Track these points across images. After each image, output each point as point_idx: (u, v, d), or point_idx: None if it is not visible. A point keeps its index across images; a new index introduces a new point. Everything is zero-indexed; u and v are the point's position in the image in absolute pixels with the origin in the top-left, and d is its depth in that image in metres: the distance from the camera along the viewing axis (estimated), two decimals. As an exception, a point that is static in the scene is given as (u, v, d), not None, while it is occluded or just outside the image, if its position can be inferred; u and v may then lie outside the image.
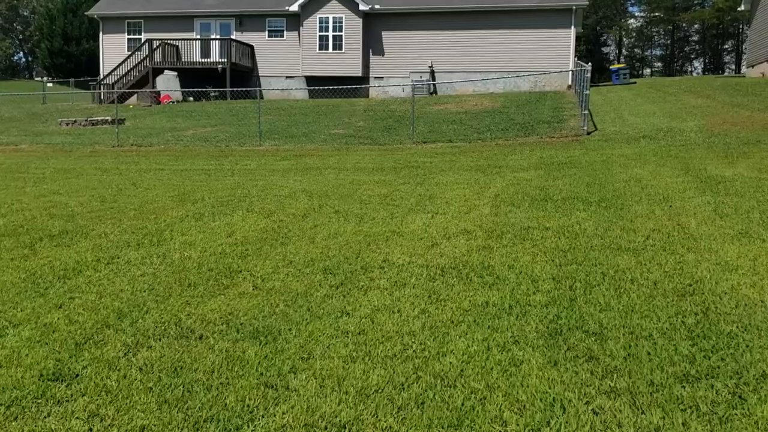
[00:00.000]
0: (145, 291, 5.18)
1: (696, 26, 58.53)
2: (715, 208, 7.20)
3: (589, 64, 14.50)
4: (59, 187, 10.29)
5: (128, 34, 30.98)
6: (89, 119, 21.24)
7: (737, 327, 4.03)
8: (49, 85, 35.32)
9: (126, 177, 11.27)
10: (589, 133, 14.35)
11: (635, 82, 31.24)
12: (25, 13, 66.56)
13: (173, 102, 28.26)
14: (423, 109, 22.32)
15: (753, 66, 28.62)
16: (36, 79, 38.86)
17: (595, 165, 10.53)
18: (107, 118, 21.75)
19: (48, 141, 17.59)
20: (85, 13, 32.19)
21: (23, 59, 67.46)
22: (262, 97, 25.98)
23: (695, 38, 61.12)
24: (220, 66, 28.25)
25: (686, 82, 28.62)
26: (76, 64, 38.50)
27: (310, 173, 11.11)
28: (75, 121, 21.30)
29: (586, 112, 14.42)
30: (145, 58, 28.71)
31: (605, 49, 61.89)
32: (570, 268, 5.32)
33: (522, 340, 3.98)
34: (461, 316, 4.40)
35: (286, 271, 5.55)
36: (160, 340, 4.25)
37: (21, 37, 68.47)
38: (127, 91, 27.94)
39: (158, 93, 28.53)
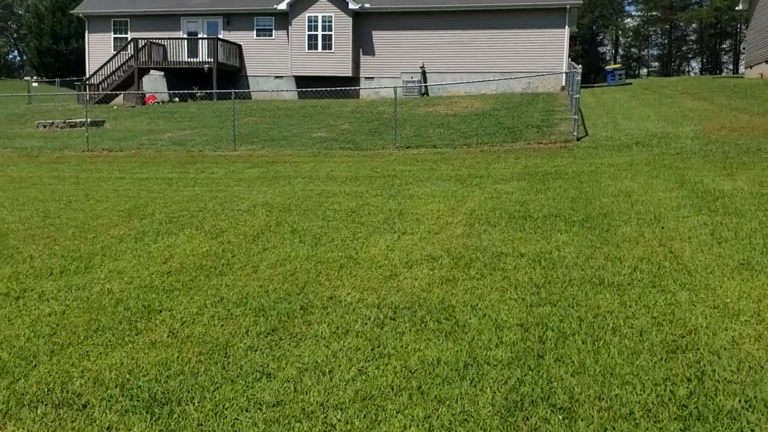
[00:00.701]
0: (44, 337, 4.37)
1: (693, 26, 57.66)
2: (713, 230, 6.38)
3: (580, 66, 13.68)
4: (5, 199, 9.46)
5: (114, 33, 30.11)
6: (67, 121, 20.39)
7: (740, 402, 3.21)
8: (35, 84, 34.44)
9: (82, 187, 10.45)
10: (579, 139, 13.53)
11: (631, 83, 30.40)
12: (19, 12, 65.67)
13: (159, 102, 27.41)
14: (412, 111, 21.52)
15: (751, 67, 27.80)
16: (25, 78, 37.90)
17: (582, 176, 9.71)
18: (86, 119, 20.87)
19: (18, 145, 16.76)
20: (70, 11, 31.31)
21: (17, 58, 66.62)
22: (239, 98, 25.15)
23: (693, 38, 60.23)
24: (207, 66, 27.40)
25: (683, 83, 27.80)
26: (65, 64, 37.62)
27: (279, 183, 10.28)
28: (52, 123, 20.47)
29: (577, 116, 13.60)
30: (130, 58, 27.84)
31: (601, 49, 61.01)
32: (543, 310, 4.50)
33: (473, 419, 3.17)
34: (404, 380, 3.58)
35: (213, 311, 4.73)
36: (35, 409, 3.45)
37: (15, 36, 67.59)
38: (109, 93, 27.06)
39: (143, 93, 27.68)
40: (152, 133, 18.67)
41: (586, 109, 19.01)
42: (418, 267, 5.60)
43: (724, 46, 58.33)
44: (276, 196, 9.17)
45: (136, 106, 25.93)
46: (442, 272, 5.43)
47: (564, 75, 26.87)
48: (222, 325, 4.46)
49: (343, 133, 17.40)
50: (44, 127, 20.28)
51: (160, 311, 4.77)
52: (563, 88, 26.18)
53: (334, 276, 5.44)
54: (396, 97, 14.85)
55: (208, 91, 24.10)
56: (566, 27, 26.94)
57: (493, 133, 15.87)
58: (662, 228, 6.56)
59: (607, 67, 34.04)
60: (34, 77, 38.32)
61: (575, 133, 13.53)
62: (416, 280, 5.26)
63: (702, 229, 6.46)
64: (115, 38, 29.97)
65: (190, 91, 24.02)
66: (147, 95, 28.01)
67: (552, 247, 6.05)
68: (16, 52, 67.35)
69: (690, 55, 61.52)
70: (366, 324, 4.39)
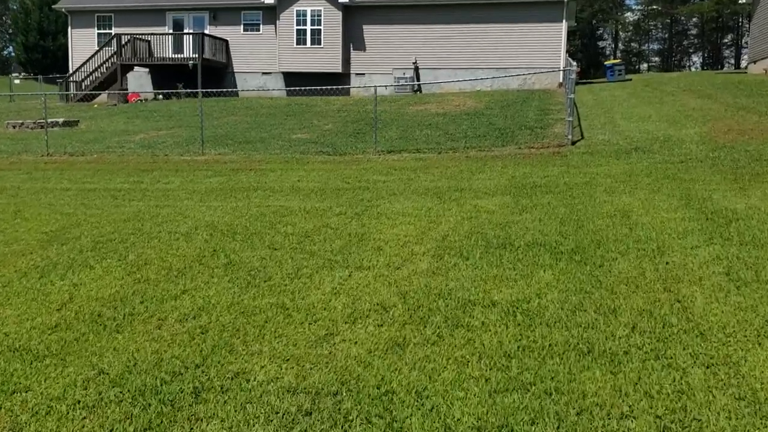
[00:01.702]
0: None
1: (694, 20, 56.21)
2: (728, 268, 5.20)
3: (575, 64, 12.48)
4: None
5: (98, 29, 28.87)
6: (38, 121, 19.21)
7: None
8: (17, 82, 33.24)
9: (17, 201, 9.28)
10: (574, 143, 12.32)
11: (631, 79, 29.09)
12: (14, 7, 64.37)
13: (142, 100, 26.21)
14: (401, 110, 20.32)
15: (755, 62, 26.52)
16: (13, 74, 36.73)
17: (575, 189, 8.51)
18: (59, 119, 19.71)
19: (-22, 147, 15.59)
20: (53, 6, 30.08)
21: (12, 54, 65.30)
22: (225, 95, 23.94)
23: (694, 32, 58.74)
24: (191, 62, 26.17)
25: (685, 79, 26.52)
26: (52, 60, 36.41)
27: (235, 196, 9.10)
28: (22, 124, 19.29)
29: (571, 119, 12.38)
30: (113, 54, 26.64)
31: (601, 44, 59.58)
32: (510, 400, 3.34)
33: None
34: None
35: (80, 395, 3.57)
36: None
37: (11, 31, 66.34)
38: (89, 92, 25.88)
39: (126, 91, 26.47)
40: (125, 134, 17.49)
41: (584, 108, 17.80)
42: (362, 322, 4.43)
43: (726, 40, 56.84)
44: (226, 213, 7.99)
45: (118, 105, 24.75)
46: (391, 331, 4.26)
47: (561, 71, 25.64)
48: (82, 420, 3.30)
49: (324, 134, 16.21)
50: (13, 127, 19.11)
51: (13, 392, 3.61)
52: (560, 84, 24.94)
53: (253, 336, 4.27)
54: (376, 98, 13.63)
55: (191, 90, 22.89)
56: (564, 21, 25.66)
57: (483, 135, 14.66)
58: (667, 264, 5.38)
59: (606, 63, 32.75)
60: (22, 74, 37.12)
61: (570, 137, 12.32)
62: (355, 343, 4.10)
63: (715, 265, 5.28)
64: (98, 34, 28.74)
65: (173, 91, 22.85)
66: (130, 93, 26.81)
67: (532, 291, 4.87)
68: (11, 48, 66.13)
69: (691, 50, 60.04)
70: (270, 422, 3.22)
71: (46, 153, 14.19)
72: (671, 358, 3.73)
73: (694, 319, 4.26)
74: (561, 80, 24.98)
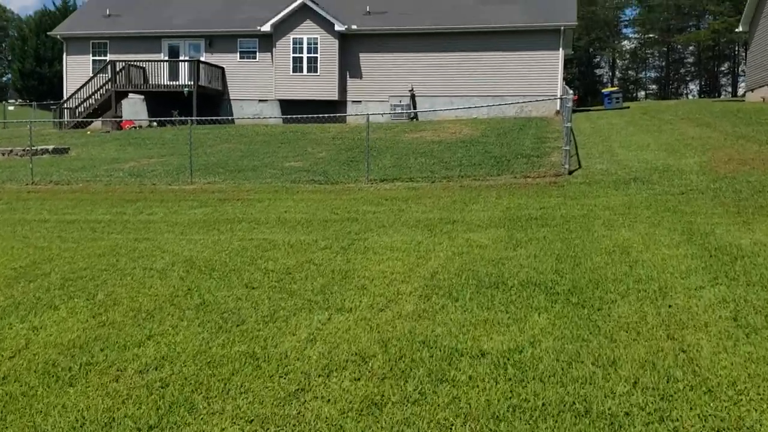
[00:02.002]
0: None
1: (691, 48, 56.42)
2: (736, 312, 4.82)
3: (571, 92, 12.21)
4: None
5: (93, 56, 28.76)
6: (27, 148, 18.92)
7: None
8: (11, 108, 33.08)
9: (-8, 232, 8.92)
10: (571, 173, 12.00)
11: (628, 107, 28.94)
12: (13, 34, 64.69)
13: (136, 127, 25.99)
14: (396, 137, 20.07)
15: (753, 90, 26.42)
16: (10, 101, 36.61)
17: (572, 222, 8.16)
18: (49, 147, 19.44)
19: (-37, 176, 15.27)
20: (48, 33, 30.02)
21: (9, 80, 65.47)
22: (221, 123, 23.71)
23: (690, 60, 58.93)
24: (186, 89, 25.99)
25: (683, 107, 26.36)
26: (48, 87, 36.32)
27: (218, 229, 8.74)
28: (11, 151, 19.00)
29: (568, 147, 12.08)
30: (107, 81, 26.48)
31: (598, 71, 59.74)
32: (496, 473, 2.94)
33: None
34: None
35: (11, 466, 3.18)
36: None
37: (9, 58, 66.61)
38: (82, 120, 25.68)
39: (120, 118, 26.27)
40: (115, 162, 17.19)
41: (581, 136, 17.54)
42: (338, 375, 4.05)
43: (723, 68, 57.03)
44: (206, 248, 7.63)
45: (111, 132, 24.51)
46: (368, 387, 3.87)
47: (558, 100, 25.48)
48: (8, 498, 2.90)
49: (317, 162, 15.91)
50: (2, 155, 18.82)
51: (-60, 462, 3.22)
52: (558, 112, 24.76)
53: (217, 392, 3.88)
54: (368, 127, 13.34)
55: (185, 118, 22.68)
56: (560, 49, 25.57)
57: (478, 164, 14.36)
58: (669, 307, 5.01)
59: (603, 90, 32.69)
60: (18, 100, 37.02)
61: (567, 166, 12.00)
62: (328, 401, 3.71)
63: (721, 309, 4.91)
64: (93, 60, 28.62)
65: (167, 119, 22.66)
66: (124, 120, 26.62)
67: (525, 338, 4.49)
68: (9, 75, 66.31)
69: (688, 78, 60.14)
70: (223, 500, 2.82)
71: (30, 182, 13.87)
72: (677, 420, 3.35)
73: (701, 372, 3.88)
74: (558, 108, 24.81)
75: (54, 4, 41.37)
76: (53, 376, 4.20)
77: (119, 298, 5.80)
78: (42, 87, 36.28)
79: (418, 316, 5.04)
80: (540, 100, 20.28)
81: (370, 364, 4.18)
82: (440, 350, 4.34)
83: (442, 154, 16.10)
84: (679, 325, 4.63)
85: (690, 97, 58.52)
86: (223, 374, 4.12)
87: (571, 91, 12.19)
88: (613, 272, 5.97)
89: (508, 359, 4.17)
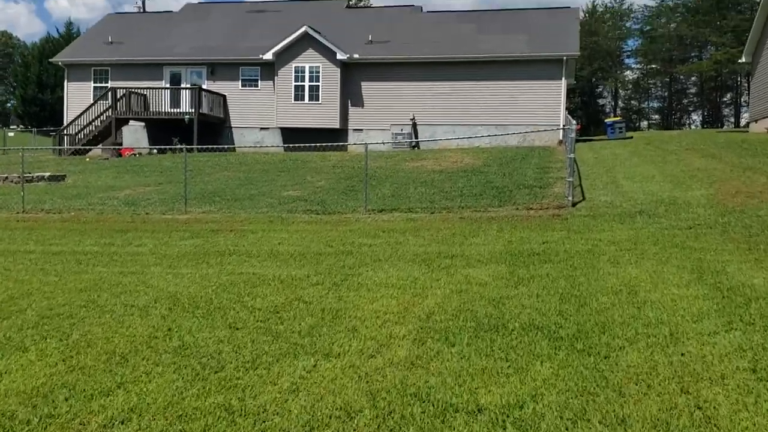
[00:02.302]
0: None
1: (693, 78, 56.48)
2: (755, 362, 4.45)
3: (575, 122, 11.94)
4: None
5: (94, 82, 28.73)
6: (24, 175, 18.69)
7: None
8: (11, 134, 32.99)
9: (-27, 264, 8.59)
10: (574, 205, 11.68)
11: (632, 137, 28.73)
12: (18, 60, 65.14)
13: (136, 155, 25.81)
14: (397, 166, 19.83)
15: (756, 121, 26.21)
16: (12, 127, 36.57)
17: (576, 258, 7.81)
18: (45, 174, 19.22)
19: (-46, 203, 15.00)
20: (50, 60, 30.05)
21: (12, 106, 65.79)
22: (222, 151, 23.50)
23: (693, 90, 58.96)
24: (187, 117, 25.86)
25: (687, 138, 26.14)
26: (50, 113, 36.30)
27: (207, 262, 8.40)
28: (7, 177, 18.78)
29: (572, 179, 11.78)
30: (108, 108, 26.38)
31: (601, 101, 59.77)
32: None
33: None
34: None
35: None
36: None
37: (15, 84, 66.96)
38: (80, 147, 25.54)
39: (120, 145, 26.12)
40: (110, 190, 16.94)
41: (584, 166, 17.26)
42: (320, 432, 3.68)
43: (725, 99, 57.00)
44: (193, 283, 7.28)
45: (110, 159, 24.33)
46: (351, 447, 3.50)
47: (561, 129, 25.27)
48: None
49: (315, 191, 15.63)
50: (-2, 181, 18.59)
51: None
52: (560, 141, 24.54)
53: (185, 452, 3.51)
54: (367, 156, 13.08)
55: (184, 146, 22.48)
56: (563, 79, 25.47)
57: (480, 194, 14.06)
58: (682, 356, 4.64)
59: (606, 120, 32.51)
60: (20, 126, 37.00)
61: (570, 198, 11.69)
62: (306, 465, 3.33)
63: (738, 359, 4.53)
64: (95, 87, 28.59)
65: (168, 147, 22.46)
66: (123, 147, 26.47)
67: (526, 391, 4.12)
68: (13, 101, 66.63)
69: (691, 108, 60.10)
70: None
71: (22, 210, 13.60)
72: (698, 495, 2.97)
73: (721, 435, 3.50)
74: (561, 137, 24.60)
75: (57, 30, 41.65)
76: (8, 430, 3.84)
77: (94, 339, 5.44)
78: (43, 113, 36.26)
79: (411, 363, 4.68)
80: (543, 130, 20.03)
81: (355, 421, 3.81)
82: (433, 405, 3.97)
83: (443, 184, 15.82)
84: (693, 377, 4.26)
85: (693, 127, 58.44)
86: (195, 430, 3.75)
87: (574, 121, 11.94)
88: (621, 314, 5.60)
89: (508, 416, 3.80)
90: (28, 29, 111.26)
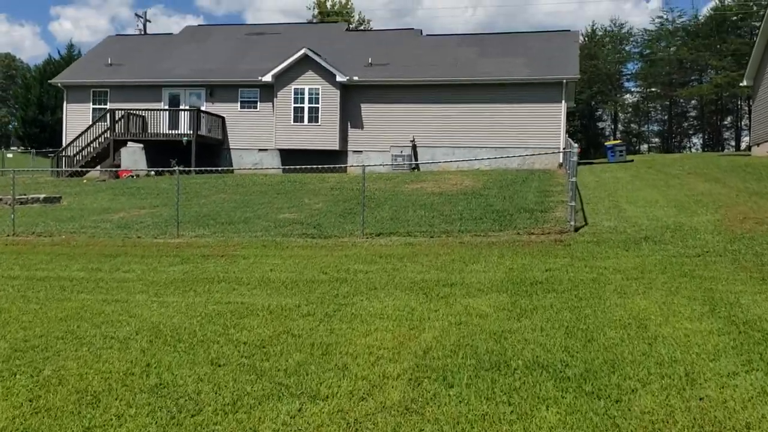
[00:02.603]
0: None
1: (693, 102, 56.41)
2: (782, 409, 4.05)
3: (576, 146, 11.62)
4: None
5: (93, 104, 28.55)
6: (18, 197, 18.38)
7: None
8: (9, 156, 32.73)
9: (-49, 291, 8.21)
10: (577, 230, 11.31)
11: (633, 160, 28.48)
12: (20, 82, 65.21)
13: (134, 176, 25.51)
14: (396, 188, 19.50)
15: (758, 144, 25.92)
16: (12, 148, 36.35)
17: (581, 288, 7.42)
18: (40, 196, 18.90)
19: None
20: (49, 81, 29.91)
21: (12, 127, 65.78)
22: (220, 173, 23.19)
23: (693, 114, 58.88)
24: (185, 139, 25.61)
25: (689, 161, 25.85)
26: (50, 134, 36.13)
27: (195, 289, 8.02)
28: (1, 199, 18.45)
29: (574, 203, 11.42)
30: (107, 130, 26.15)
31: (600, 124, 59.69)
32: None
33: None
34: None
35: None
36: None
37: (17, 106, 67.00)
38: (77, 169, 25.28)
39: (118, 167, 25.83)
40: (105, 213, 16.60)
41: (586, 190, 16.92)
42: (301, 491, 3.27)
43: (726, 122, 56.89)
44: (178, 312, 6.89)
45: (107, 181, 24.02)
46: None
47: (561, 152, 24.99)
48: None
49: (312, 214, 15.27)
50: (-8, 203, 18.25)
51: None
52: (560, 165, 24.25)
53: None
54: (364, 178, 12.74)
55: (177, 168, 22.18)
56: (563, 102, 25.26)
57: (480, 218, 13.69)
58: (701, 400, 4.25)
59: (607, 143, 32.29)
60: (20, 148, 36.80)
61: (573, 223, 11.32)
62: None
63: (763, 404, 4.13)
64: (93, 109, 28.39)
65: (165, 169, 22.18)
66: (121, 169, 26.20)
67: (530, 441, 3.72)
68: (15, 122, 66.64)
69: (691, 132, 59.92)
70: None
71: (12, 233, 13.23)
72: None
73: (752, 498, 3.10)
74: (561, 160, 24.31)
75: (59, 52, 41.63)
76: (-44, 485, 3.44)
77: (67, 376, 5.05)
78: (44, 135, 36.07)
79: (405, 408, 4.28)
80: (543, 153, 19.71)
81: (341, 477, 3.41)
82: (428, 458, 3.57)
83: (443, 207, 15.47)
84: (715, 427, 3.86)
85: (693, 150, 58.26)
86: (161, 488, 3.35)
87: (575, 145, 11.62)
88: (631, 351, 5.21)
89: (511, 472, 3.40)
90: (33, 52, 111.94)
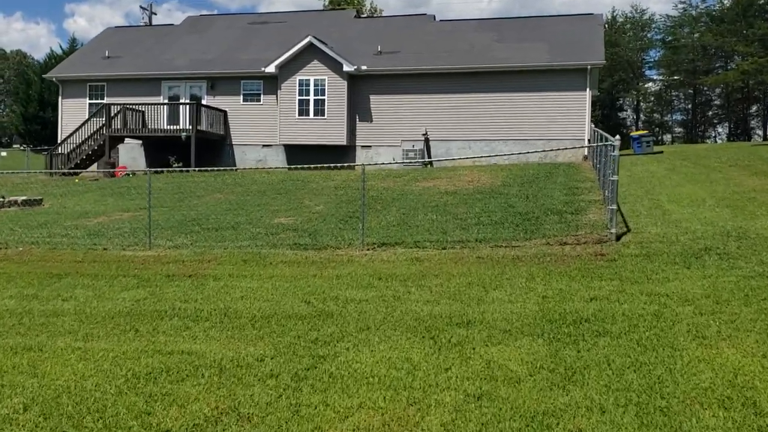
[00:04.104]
0: None
1: (718, 90, 53.68)
2: None
3: (617, 137, 9.55)
4: None
5: (90, 99, 26.86)
6: (-4, 200, 16.73)
7: None
8: (3, 154, 31.20)
9: None
10: (618, 238, 9.30)
11: (662, 152, 26.22)
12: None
13: (129, 174, 23.80)
14: (406, 186, 17.58)
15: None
16: (14, 146, 34.87)
17: (642, 327, 5.46)
18: (19, 198, 17.22)
19: None
20: (44, 75, 28.28)
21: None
22: (223, 169, 21.39)
23: (717, 102, 56.13)
24: (184, 134, 23.82)
25: (724, 152, 23.62)
26: (51, 131, 34.55)
27: (138, 328, 6.16)
28: (-24, 203, 16.78)
29: (614, 206, 9.41)
30: (102, 126, 24.44)
31: (621, 114, 57.13)
32: None
33: None
34: None
35: None
36: None
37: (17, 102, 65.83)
38: (75, 167, 23.62)
39: (113, 164, 24.14)
40: (84, 217, 14.86)
41: (618, 186, 14.86)
42: None
43: (752, 110, 54.12)
44: (98, 371, 5.04)
45: (100, 180, 22.33)
46: None
47: (586, 142, 22.88)
48: None
49: (311, 218, 13.40)
50: (-34, 207, 16.58)
51: None
52: (585, 157, 22.15)
53: None
54: (364, 181, 10.80)
55: (180, 168, 20.44)
56: (587, 90, 23.09)
57: (500, 222, 11.73)
58: None
59: (632, 134, 30.00)
60: (22, 146, 35.30)
61: (614, 230, 9.31)
62: None
63: None
64: (90, 104, 26.70)
65: (162, 169, 20.47)
66: (117, 166, 24.52)
67: None
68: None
69: (716, 121, 57.19)
70: None
71: (-35, 244, 11.49)
72: None
73: None
74: (586, 153, 22.22)
75: (61, 47, 40.04)
76: None
77: None
78: (45, 131, 34.51)
79: None
80: (570, 144, 17.63)
81: None
82: None
83: (457, 208, 13.52)
84: None
85: (718, 140, 55.57)
86: None
87: (617, 137, 9.59)
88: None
89: None
90: (48, 50, 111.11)
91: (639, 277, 7.18)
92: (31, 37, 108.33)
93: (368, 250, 9.97)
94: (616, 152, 9.34)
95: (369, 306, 6.60)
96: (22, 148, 34.97)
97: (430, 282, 7.54)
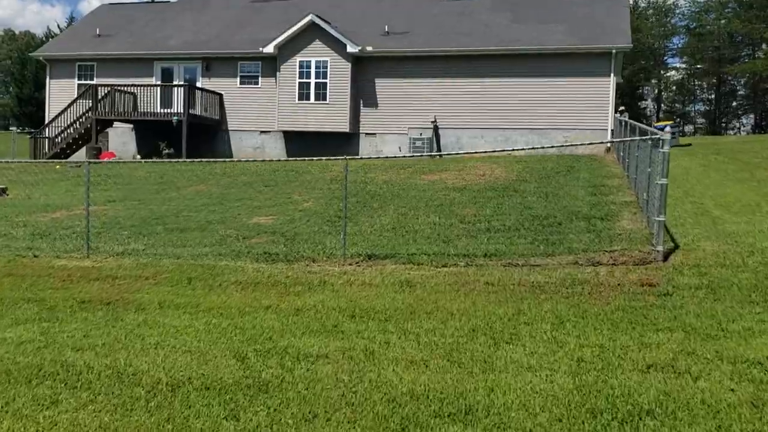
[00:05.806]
0: None
1: (744, 79, 50.76)
2: None
3: (667, 127, 7.40)
4: None
5: (79, 79, 24.92)
6: (-48, 189, 14.87)
7: None
8: (-11, 136, 29.42)
9: None
10: (666, 257, 7.18)
11: (690, 144, 23.83)
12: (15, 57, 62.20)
13: (117, 161, 21.86)
14: (409, 180, 15.53)
15: None
16: (11, 129, 33.12)
17: (733, 426, 3.39)
18: (-17, 186, 15.36)
19: None
20: (30, 54, 26.36)
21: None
22: (217, 156, 19.40)
23: (742, 92, 53.18)
24: (175, 119, 21.81)
25: (759, 145, 21.28)
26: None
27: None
28: (-69, 193, 14.94)
29: (662, 218, 7.25)
30: (89, 109, 22.50)
31: (642, 104, 54.35)
32: None
33: None
34: None
35: None
36: None
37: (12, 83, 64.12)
38: (59, 151, 21.78)
39: (99, 150, 22.19)
40: (42, 210, 12.98)
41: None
42: None
43: (779, 100, 51.19)
44: None
45: (78, 167, 20.40)
46: None
47: (609, 134, 20.62)
48: None
49: (294, 218, 11.39)
50: None
51: None
52: (608, 149, 19.91)
53: None
54: (346, 180, 8.75)
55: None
56: (611, 75, 20.77)
57: (515, 228, 9.64)
58: None
59: (656, 124, 27.55)
60: (18, 128, 33.51)
61: (660, 248, 7.18)
62: None
63: None
64: (79, 85, 24.74)
65: (152, 160, 18.54)
66: (103, 152, 22.61)
67: None
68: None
69: (740, 112, 54.26)
70: None
71: None
72: None
73: None
74: (609, 145, 19.97)
75: (58, 26, 38.12)
76: None
77: None
78: (41, 113, 32.69)
79: None
80: (599, 142, 15.49)
81: None
82: None
83: (464, 209, 11.44)
84: None
85: (742, 132, 52.72)
86: None
87: (669, 123, 7.42)
88: None
89: None
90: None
91: (710, 327, 5.06)
92: (46, 20, 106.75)
93: (350, 264, 7.91)
94: (667, 148, 7.14)
95: (326, 370, 4.53)
96: (18, 130, 33.22)
97: (420, 325, 5.46)
